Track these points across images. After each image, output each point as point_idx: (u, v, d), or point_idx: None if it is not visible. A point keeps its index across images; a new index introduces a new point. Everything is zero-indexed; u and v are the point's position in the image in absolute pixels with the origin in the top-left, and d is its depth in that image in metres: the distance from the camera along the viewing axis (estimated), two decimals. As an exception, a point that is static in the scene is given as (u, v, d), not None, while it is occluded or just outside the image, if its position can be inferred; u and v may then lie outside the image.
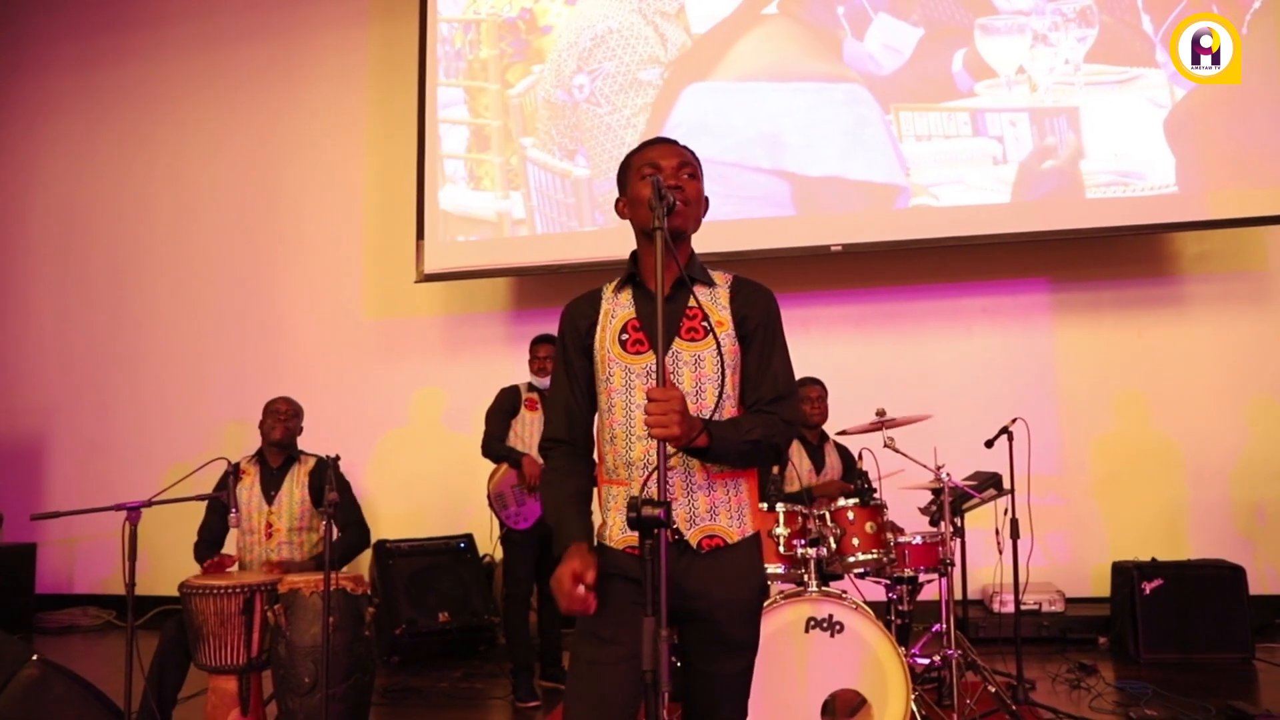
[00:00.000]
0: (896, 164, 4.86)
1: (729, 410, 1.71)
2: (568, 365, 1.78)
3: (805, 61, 4.96)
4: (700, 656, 1.69)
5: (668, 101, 5.09)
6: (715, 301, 1.74)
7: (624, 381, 1.70)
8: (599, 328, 1.75)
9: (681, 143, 1.79)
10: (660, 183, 1.57)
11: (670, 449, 1.57)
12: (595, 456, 1.81)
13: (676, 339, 1.70)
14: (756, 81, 5.00)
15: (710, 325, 1.69)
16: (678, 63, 5.11)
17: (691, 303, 1.71)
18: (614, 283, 1.80)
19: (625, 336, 1.72)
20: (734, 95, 5.02)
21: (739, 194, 4.92)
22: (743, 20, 5.05)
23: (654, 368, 1.66)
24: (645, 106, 5.11)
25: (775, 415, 1.69)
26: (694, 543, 1.67)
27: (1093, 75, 4.71)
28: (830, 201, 4.93)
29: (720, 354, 1.68)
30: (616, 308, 1.75)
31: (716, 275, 1.78)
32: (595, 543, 1.72)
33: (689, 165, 1.74)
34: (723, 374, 1.68)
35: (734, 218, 4.91)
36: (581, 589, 1.58)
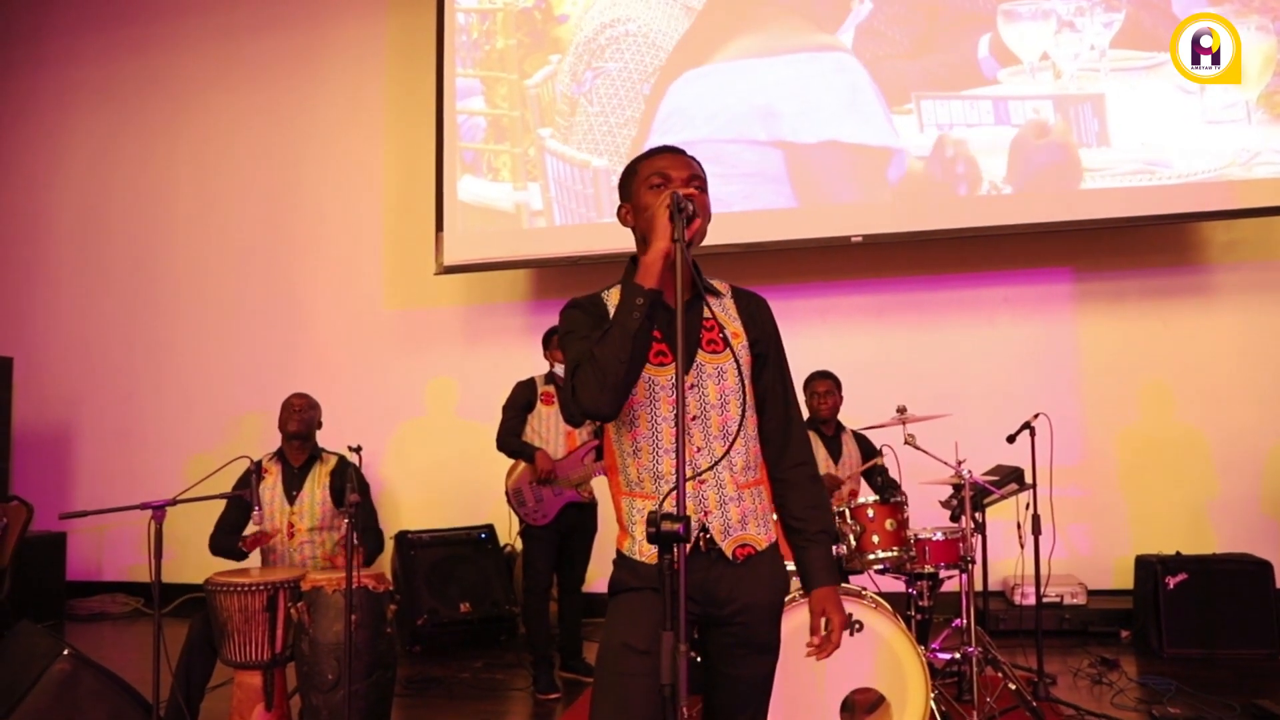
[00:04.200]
0: (889, 129, 4.82)
1: (751, 419, 1.72)
2: (587, 332, 1.65)
3: (794, 35, 4.95)
4: (725, 659, 1.70)
5: (659, 92, 5.09)
6: (726, 312, 1.75)
7: (647, 394, 1.68)
8: None
9: (689, 152, 1.75)
10: (680, 197, 1.55)
11: (705, 466, 1.66)
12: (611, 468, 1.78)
13: (699, 351, 1.69)
14: (747, 59, 4.98)
15: (727, 337, 1.70)
16: (675, 52, 5.09)
17: (706, 314, 1.71)
18: (615, 289, 1.73)
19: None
20: (726, 76, 5.00)
21: (734, 171, 4.90)
22: (732, 5, 5.06)
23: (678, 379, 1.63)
24: (644, 99, 5.10)
25: (817, 493, 1.77)
26: (729, 553, 1.67)
27: (1119, 61, 4.61)
28: (825, 169, 4.90)
29: (739, 366, 1.69)
30: None
31: (716, 283, 1.78)
32: (619, 556, 1.73)
33: (699, 179, 1.71)
34: (743, 384, 1.70)
35: (733, 197, 4.86)
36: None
